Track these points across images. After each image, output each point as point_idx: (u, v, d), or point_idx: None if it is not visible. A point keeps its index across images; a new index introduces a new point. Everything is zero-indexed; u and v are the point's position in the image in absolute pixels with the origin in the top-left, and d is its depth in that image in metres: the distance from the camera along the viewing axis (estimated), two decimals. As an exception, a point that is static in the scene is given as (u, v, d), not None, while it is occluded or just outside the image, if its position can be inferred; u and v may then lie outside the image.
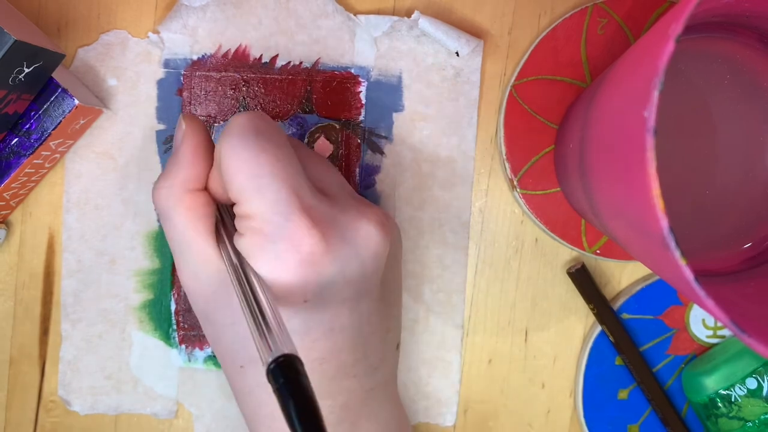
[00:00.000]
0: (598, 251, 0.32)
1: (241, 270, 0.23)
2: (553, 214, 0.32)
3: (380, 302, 0.27)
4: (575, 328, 0.34)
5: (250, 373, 0.26)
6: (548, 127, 0.32)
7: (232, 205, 0.25)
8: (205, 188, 0.26)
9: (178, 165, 0.26)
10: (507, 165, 0.32)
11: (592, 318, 0.34)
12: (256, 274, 0.23)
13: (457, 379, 0.34)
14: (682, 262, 0.16)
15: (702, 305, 0.17)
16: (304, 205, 0.23)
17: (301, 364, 0.19)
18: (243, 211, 0.24)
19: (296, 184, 0.24)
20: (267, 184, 0.23)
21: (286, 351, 0.19)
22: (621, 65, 0.22)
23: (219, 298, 0.25)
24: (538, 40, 0.31)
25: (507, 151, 0.31)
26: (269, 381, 0.19)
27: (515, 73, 0.31)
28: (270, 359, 0.19)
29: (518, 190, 0.32)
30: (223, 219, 0.26)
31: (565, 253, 0.33)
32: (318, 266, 0.23)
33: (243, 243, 0.24)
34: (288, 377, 0.18)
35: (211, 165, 0.26)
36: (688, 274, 0.16)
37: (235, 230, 0.25)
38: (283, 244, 0.23)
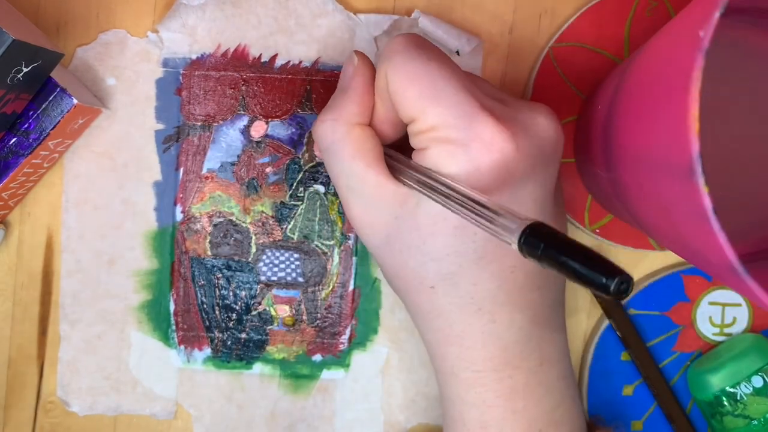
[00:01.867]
0: (597, 230, 0.32)
1: (434, 181, 0.23)
2: (561, 184, 0.32)
3: (556, 198, 0.27)
4: (576, 328, 0.34)
5: (441, 291, 0.25)
6: (576, 96, 0.31)
7: (395, 143, 0.26)
8: (370, 124, 0.26)
9: (347, 98, 0.25)
10: None
11: (592, 319, 0.34)
12: (454, 179, 0.23)
13: (458, 380, 0.34)
14: (704, 191, 0.16)
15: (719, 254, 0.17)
16: (484, 105, 0.23)
17: (547, 225, 0.19)
18: (421, 125, 0.23)
19: (471, 86, 0.24)
20: (443, 90, 0.23)
21: (524, 223, 0.19)
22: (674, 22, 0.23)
23: (402, 222, 0.25)
24: (585, 8, 0.31)
25: None
26: (526, 254, 0.18)
27: (556, 35, 0.31)
28: (517, 237, 0.18)
29: None
30: (388, 153, 0.26)
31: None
32: (510, 163, 0.23)
33: (430, 155, 0.23)
34: (546, 240, 0.18)
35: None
36: (709, 204, 0.16)
37: (408, 156, 0.24)
38: (475, 145, 0.22)
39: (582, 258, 0.17)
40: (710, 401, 0.32)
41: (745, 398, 0.31)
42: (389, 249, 0.26)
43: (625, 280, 0.17)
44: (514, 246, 0.19)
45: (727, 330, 0.33)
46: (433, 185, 0.23)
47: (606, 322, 0.33)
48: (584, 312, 0.34)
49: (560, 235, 0.18)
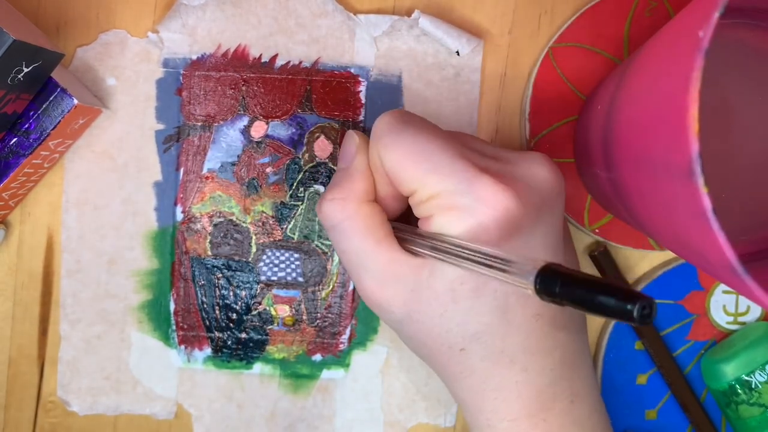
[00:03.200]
0: (597, 230, 0.32)
1: (446, 245, 0.23)
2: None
3: (566, 237, 0.27)
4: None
5: (472, 351, 0.25)
6: (576, 97, 0.32)
7: (399, 216, 0.26)
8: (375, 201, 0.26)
9: (353, 177, 0.26)
10: (527, 125, 0.31)
11: (592, 318, 0.34)
12: (463, 240, 0.23)
13: (457, 380, 0.34)
14: (704, 191, 0.16)
15: (720, 254, 0.17)
16: (481, 167, 0.23)
17: (560, 264, 0.19)
18: (422, 195, 0.24)
19: (463, 151, 0.24)
20: (438, 160, 0.23)
21: (538, 266, 0.19)
22: (673, 22, 0.23)
23: (420, 294, 0.25)
24: (585, 8, 0.31)
25: (530, 111, 0.31)
26: (544, 296, 0.18)
27: (555, 36, 0.31)
28: (532, 280, 0.19)
29: None
30: (394, 226, 0.26)
31: (566, 253, 0.33)
32: (517, 219, 0.23)
33: (436, 222, 0.24)
34: (562, 277, 0.18)
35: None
36: (708, 204, 0.16)
37: (415, 225, 0.25)
38: (478, 207, 0.23)
39: (600, 290, 0.17)
40: (725, 390, 0.32)
41: (760, 386, 0.31)
42: (410, 321, 0.26)
43: (647, 304, 0.17)
44: (531, 291, 0.19)
45: (741, 319, 0.33)
46: (444, 248, 0.23)
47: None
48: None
49: (573, 272, 0.18)
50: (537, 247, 0.25)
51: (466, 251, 0.22)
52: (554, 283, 0.18)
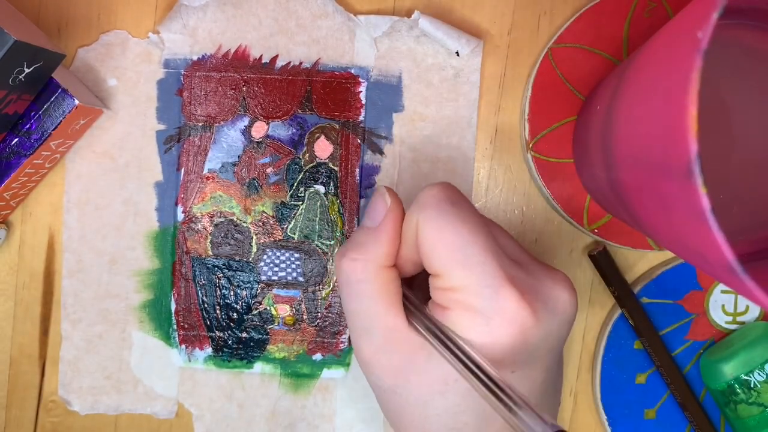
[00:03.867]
0: (596, 230, 0.32)
1: (451, 341, 0.23)
2: (560, 184, 0.32)
3: (556, 364, 0.27)
4: (575, 328, 0.34)
5: None
6: (575, 98, 0.32)
7: (412, 277, 0.26)
8: (395, 264, 0.26)
9: (379, 240, 0.25)
10: (527, 126, 0.32)
11: (591, 318, 0.34)
12: (468, 344, 0.23)
13: (457, 379, 0.34)
14: (702, 191, 0.16)
15: (718, 255, 0.17)
16: (509, 276, 0.23)
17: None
18: (446, 283, 0.23)
19: (498, 253, 0.23)
20: (472, 256, 0.23)
21: (556, 426, 0.19)
22: (671, 23, 0.23)
23: (410, 375, 0.24)
24: (584, 9, 0.31)
25: (530, 112, 0.32)
26: None
27: (555, 36, 0.31)
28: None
29: (532, 152, 0.32)
30: (406, 294, 0.26)
31: (565, 253, 0.33)
32: (528, 337, 0.23)
33: (450, 316, 0.23)
34: None
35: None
36: (707, 205, 0.16)
37: (421, 303, 0.25)
38: (495, 317, 0.22)
39: None
40: (723, 390, 0.32)
41: (759, 386, 0.31)
42: (394, 395, 0.25)
43: None
44: None
45: (739, 318, 0.33)
46: (448, 345, 0.23)
47: (619, 311, 0.33)
48: (578, 318, 0.34)
49: None
50: (538, 364, 0.24)
51: (470, 361, 0.22)
52: None
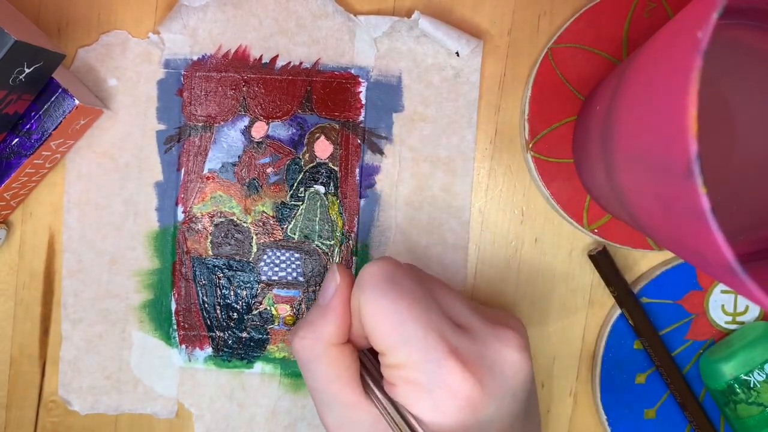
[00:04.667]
0: (596, 230, 0.32)
1: (401, 416, 0.23)
2: (560, 185, 0.32)
3: (525, 418, 0.27)
4: (575, 328, 0.34)
5: None
6: (575, 98, 0.32)
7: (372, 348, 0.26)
8: (349, 340, 0.26)
9: (327, 318, 0.26)
10: (526, 126, 0.32)
11: (591, 318, 0.34)
12: (417, 420, 0.23)
13: (457, 379, 0.34)
14: (702, 191, 0.16)
15: (718, 255, 0.17)
16: (452, 348, 0.23)
17: None
18: (391, 361, 0.24)
19: (439, 325, 0.24)
20: (412, 332, 0.23)
21: None
22: (670, 24, 0.23)
23: None
24: (584, 9, 0.31)
25: (530, 112, 0.32)
26: None
27: (555, 36, 0.31)
28: None
29: (532, 153, 0.32)
30: (366, 365, 0.26)
31: (565, 253, 0.33)
32: (477, 408, 0.23)
33: (397, 392, 0.24)
34: None
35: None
36: (706, 205, 0.16)
37: (381, 375, 0.25)
38: (439, 391, 0.23)
39: None
40: (723, 390, 0.32)
41: (759, 386, 0.31)
42: None
43: None
44: None
45: (739, 318, 0.33)
46: (396, 421, 0.23)
47: (618, 311, 0.33)
48: (577, 317, 0.34)
49: None
50: (492, 429, 0.24)
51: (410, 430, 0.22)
52: None
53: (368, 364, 0.26)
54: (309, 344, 0.25)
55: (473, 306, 0.27)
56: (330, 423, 0.26)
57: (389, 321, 0.23)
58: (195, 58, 0.32)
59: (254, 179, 0.33)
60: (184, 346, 0.33)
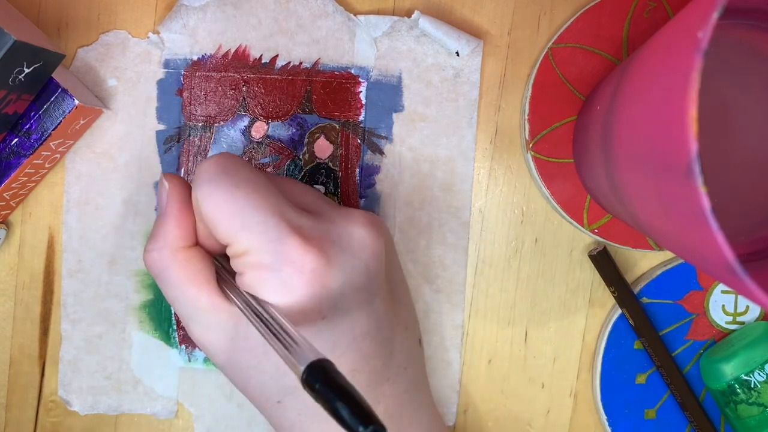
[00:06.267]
0: (596, 230, 0.32)
1: (255, 304, 0.23)
2: (560, 185, 0.32)
3: (391, 300, 0.27)
4: (575, 328, 0.34)
5: (288, 405, 0.25)
6: (575, 98, 0.32)
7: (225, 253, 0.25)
8: (197, 243, 0.26)
9: (166, 225, 0.26)
10: (527, 126, 0.32)
11: (591, 318, 0.34)
12: (269, 305, 0.23)
13: (457, 379, 0.34)
14: (702, 191, 0.16)
15: (719, 255, 0.17)
16: (294, 226, 0.24)
17: (332, 364, 0.19)
18: (235, 250, 0.24)
19: (280, 208, 0.24)
20: (250, 217, 0.23)
21: (313, 357, 0.19)
22: (672, 22, 0.23)
23: (238, 342, 0.25)
24: (584, 9, 0.31)
25: (530, 112, 0.32)
26: (307, 390, 0.19)
27: (555, 36, 0.31)
28: (302, 369, 0.19)
29: (532, 152, 0.32)
30: (223, 266, 0.26)
31: (565, 253, 0.33)
32: (325, 281, 0.23)
33: (245, 280, 0.24)
34: (323, 379, 0.18)
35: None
36: (707, 204, 0.16)
37: (233, 273, 0.25)
38: (285, 269, 0.23)
39: (345, 402, 0.18)
40: (723, 390, 0.32)
41: (759, 386, 0.31)
42: (231, 368, 0.26)
43: (378, 430, 0.17)
44: (299, 380, 0.19)
45: (739, 318, 0.33)
46: (250, 306, 0.23)
47: (618, 311, 0.33)
48: (578, 317, 0.34)
49: (334, 375, 0.19)
50: (349, 303, 0.24)
51: (265, 314, 0.22)
52: (316, 381, 0.19)
53: (222, 267, 0.26)
54: (155, 255, 0.25)
55: (330, 200, 0.27)
56: (193, 330, 0.25)
57: (227, 210, 0.23)
58: (195, 58, 0.32)
59: (254, 179, 0.33)
60: (184, 346, 0.33)
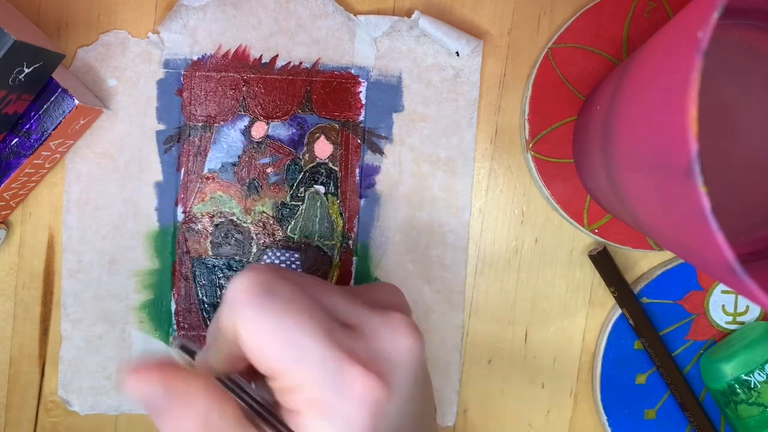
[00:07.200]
0: (596, 230, 0.32)
1: None
2: (560, 185, 0.32)
3: (424, 386, 0.26)
4: (575, 328, 0.34)
5: None
6: (575, 98, 0.32)
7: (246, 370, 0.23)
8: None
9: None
10: (527, 126, 0.32)
11: (591, 319, 0.34)
12: None
13: (457, 379, 0.34)
14: (702, 191, 0.16)
15: (719, 256, 0.17)
16: (348, 351, 0.21)
17: None
18: (287, 384, 0.21)
19: (330, 331, 0.21)
20: (306, 347, 0.21)
21: None
22: (671, 23, 0.23)
23: None
24: (584, 9, 0.31)
25: (530, 112, 0.32)
26: None
27: (555, 36, 0.31)
28: None
29: (532, 152, 0.32)
30: (243, 396, 0.23)
31: (565, 253, 0.33)
32: (385, 408, 0.22)
33: (306, 420, 0.21)
34: None
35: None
36: (707, 204, 0.16)
37: (262, 401, 0.23)
38: (348, 404, 0.21)
39: None
40: (724, 390, 0.32)
41: (759, 386, 0.31)
42: None
43: None
44: None
45: (739, 318, 0.33)
46: None
47: (619, 312, 0.33)
48: (578, 318, 0.34)
49: None
50: (404, 419, 0.23)
51: None
52: None
53: (244, 393, 0.23)
54: None
55: (352, 296, 0.25)
56: None
57: (277, 340, 0.21)
58: (195, 58, 0.32)
59: (254, 179, 0.33)
60: (183, 346, 0.33)
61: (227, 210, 0.33)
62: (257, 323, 0.21)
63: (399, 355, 0.23)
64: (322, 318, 0.22)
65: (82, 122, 0.30)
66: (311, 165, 0.33)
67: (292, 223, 0.33)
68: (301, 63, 0.32)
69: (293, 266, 0.33)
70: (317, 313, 0.22)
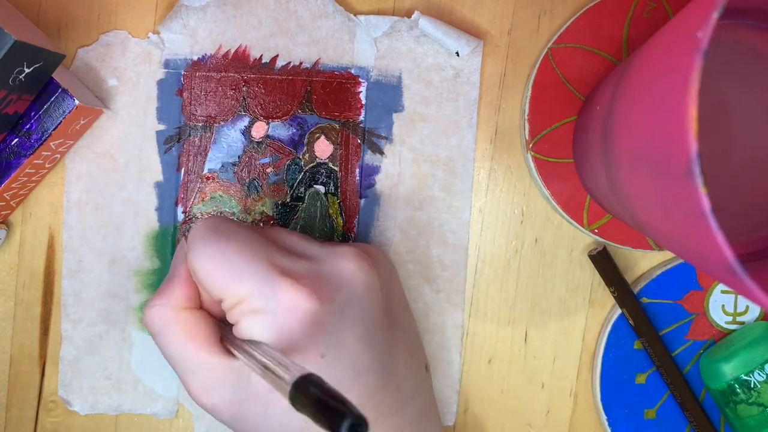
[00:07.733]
0: (596, 230, 0.32)
1: (252, 349, 0.23)
2: (560, 185, 0.32)
3: (392, 330, 0.27)
4: (575, 328, 0.34)
5: None
6: (575, 98, 0.32)
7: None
8: (201, 307, 0.27)
9: (173, 284, 0.26)
10: (527, 126, 0.32)
11: (591, 318, 0.34)
12: (263, 343, 0.23)
13: (457, 379, 0.34)
14: (702, 191, 0.16)
15: (720, 256, 0.17)
16: (284, 271, 0.24)
17: (317, 376, 0.19)
18: (230, 302, 0.24)
19: (268, 255, 0.25)
20: (242, 267, 0.24)
21: (298, 374, 0.19)
22: (671, 23, 0.23)
23: (241, 393, 0.25)
24: (584, 9, 0.31)
25: (530, 112, 0.32)
26: (296, 408, 0.19)
27: (555, 36, 0.31)
28: (288, 389, 0.19)
29: (532, 152, 0.32)
30: (226, 332, 0.26)
31: (565, 253, 0.33)
32: (319, 319, 0.24)
33: (241, 327, 0.24)
34: (306, 390, 0.19)
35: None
36: (707, 204, 0.16)
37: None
38: (280, 312, 0.24)
39: (325, 407, 0.18)
40: (723, 390, 0.32)
41: (759, 386, 0.31)
42: (238, 421, 0.26)
43: (357, 423, 0.17)
44: (287, 399, 0.19)
45: (739, 318, 0.33)
46: (248, 352, 0.23)
47: (619, 311, 0.33)
48: (578, 317, 0.34)
49: (320, 388, 0.19)
50: (348, 339, 0.25)
51: (262, 355, 0.22)
52: (299, 397, 0.19)
53: (225, 327, 0.26)
54: (157, 311, 0.26)
55: (319, 242, 0.28)
56: (193, 389, 0.26)
57: (217, 264, 0.24)
58: (195, 58, 0.32)
59: (254, 179, 0.33)
60: (184, 346, 0.33)
61: (227, 210, 0.33)
62: (202, 252, 0.25)
63: (340, 277, 0.26)
64: (261, 245, 0.25)
65: (82, 122, 0.30)
66: (311, 165, 0.33)
67: (292, 223, 0.33)
68: (301, 63, 0.32)
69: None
70: (258, 242, 0.25)
